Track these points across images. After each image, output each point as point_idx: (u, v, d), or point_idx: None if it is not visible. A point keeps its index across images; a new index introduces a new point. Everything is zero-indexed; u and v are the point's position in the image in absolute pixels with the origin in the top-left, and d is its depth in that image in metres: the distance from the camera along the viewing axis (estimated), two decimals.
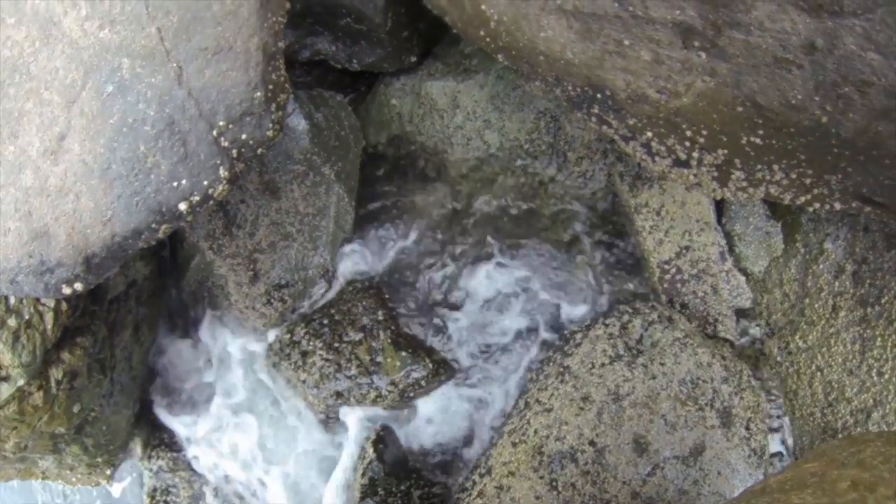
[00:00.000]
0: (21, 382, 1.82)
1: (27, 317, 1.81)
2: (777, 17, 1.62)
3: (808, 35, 1.61)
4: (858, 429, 2.10)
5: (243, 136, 1.78)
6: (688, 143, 1.88)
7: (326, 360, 2.34)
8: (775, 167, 1.83)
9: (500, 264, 2.56)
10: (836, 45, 1.59)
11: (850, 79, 1.61)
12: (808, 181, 1.82)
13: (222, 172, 1.78)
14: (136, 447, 2.49)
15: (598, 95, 1.91)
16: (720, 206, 2.37)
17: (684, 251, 2.34)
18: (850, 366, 2.15)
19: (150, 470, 2.45)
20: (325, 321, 2.41)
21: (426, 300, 2.56)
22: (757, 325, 2.36)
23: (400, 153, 2.68)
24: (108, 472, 2.27)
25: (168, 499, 2.44)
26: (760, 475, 2.07)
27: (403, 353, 2.36)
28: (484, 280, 2.55)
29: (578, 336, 2.25)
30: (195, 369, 2.55)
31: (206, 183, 1.76)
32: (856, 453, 1.15)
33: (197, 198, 1.76)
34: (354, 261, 2.57)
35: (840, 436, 2.15)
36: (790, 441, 2.29)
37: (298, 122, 2.39)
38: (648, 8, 1.73)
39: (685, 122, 1.85)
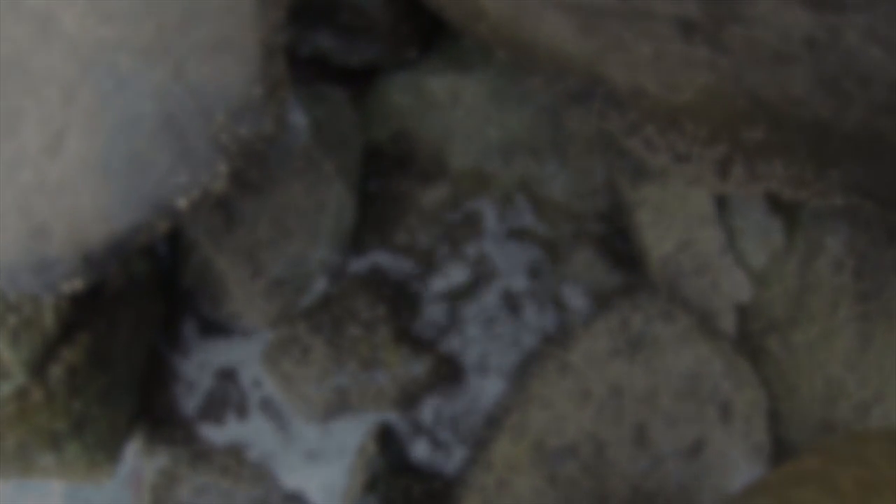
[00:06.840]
0: (21, 380, 1.82)
1: (27, 314, 1.81)
2: (779, 12, 1.62)
3: (810, 30, 1.61)
4: (858, 424, 2.11)
5: (242, 132, 1.78)
6: (688, 138, 1.88)
7: (327, 355, 2.34)
8: (776, 162, 1.83)
9: (502, 259, 2.56)
10: (838, 39, 1.58)
11: (851, 73, 1.61)
12: (808, 176, 1.82)
13: (221, 168, 1.77)
14: (138, 443, 2.49)
15: (599, 90, 1.90)
16: (721, 201, 2.37)
17: (685, 246, 2.34)
18: (850, 361, 2.15)
19: (152, 466, 2.46)
20: (326, 316, 2.41)
21: (428, 295, 2.56)
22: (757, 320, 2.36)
23: (401, 149, 2.67)
24: (109, 468, 2.27)
25: (170, 495, 2.45)
26: (760, 471, 2.08)
27: (404, 349, 2.36)
28: (486, 275, 2.55)
29: (579, 331, 2.25)
30: (192, 368, 2.55)
31: (205, 178, 1.76)
32: (858, 450, 1.16)
33: (196, 193, 1.76)
34: (355, 257, 2.57)
35: (840, 431, 2.15)
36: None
37: (298, 118, 2.38)
38: (649, 2, 1.73)
39: (686, 116, 1.85)
